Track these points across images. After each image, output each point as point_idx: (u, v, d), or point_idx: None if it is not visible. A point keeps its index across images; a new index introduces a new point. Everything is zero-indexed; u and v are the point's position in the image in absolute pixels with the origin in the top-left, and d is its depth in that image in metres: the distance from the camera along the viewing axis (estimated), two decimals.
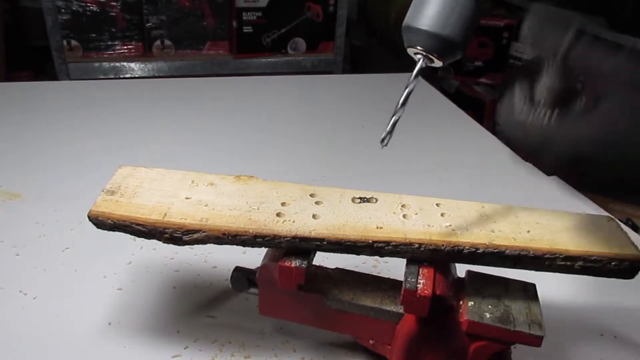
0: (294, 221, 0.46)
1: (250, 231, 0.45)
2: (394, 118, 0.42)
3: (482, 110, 2.26)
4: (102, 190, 0.49)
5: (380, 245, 0.44)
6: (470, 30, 0.39)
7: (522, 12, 2.24)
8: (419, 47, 0.40)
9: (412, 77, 0.41)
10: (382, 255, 0.45)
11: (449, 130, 1.08)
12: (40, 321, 0.56)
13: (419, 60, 0.41)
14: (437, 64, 0.41)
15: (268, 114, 1.11)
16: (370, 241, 0.44)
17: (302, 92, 1.26)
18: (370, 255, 0.45)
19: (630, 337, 0.59)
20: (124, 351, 0.53)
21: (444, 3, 0.38)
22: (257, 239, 0.45)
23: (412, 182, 0.84)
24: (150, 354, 0.53)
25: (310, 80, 1.39)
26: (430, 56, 0.40)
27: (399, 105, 0.41)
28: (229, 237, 0.45)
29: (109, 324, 0.56)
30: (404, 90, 0.41)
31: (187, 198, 0.48)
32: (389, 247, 0.44)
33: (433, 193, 0.51)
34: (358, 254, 0.45)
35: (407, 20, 0.40)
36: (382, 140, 0.42)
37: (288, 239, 0.45)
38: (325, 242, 0.44)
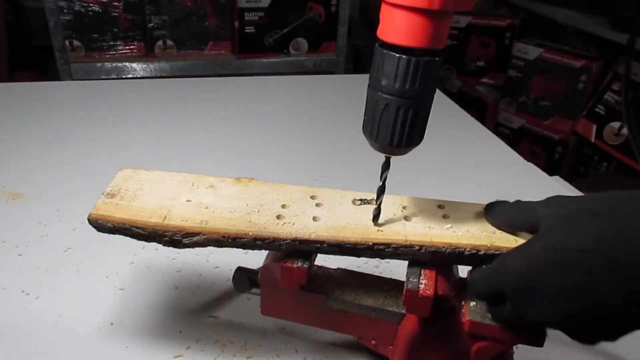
0: (293, 223, 0.45)
1: (250, 234, 0.45)
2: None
3: (484, 110, 2.26)
4: (102, 193, 0.48)
5: (380, 247, 0.44)
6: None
7: (524, 12, 2.24)
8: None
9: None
10: (382, 258, 0.45)
11: (451, 130, 1.08)
12: (43, 321, 0.56)
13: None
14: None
15: (270, 114, 1.11)
16: (370, 243, 0.44)
17: (304, 92, 1.26)
18: (371, 257, 0.45)
19: (632, 337, 0.58)
20: (126, 351, 0.53)
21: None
22: (257, 242, 0.45)
23: (414, 182, 0.84)
24: (152, 354, 0.53)
25: (312, 80, 1.39)
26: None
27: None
28: (229, 240, 0.45)
29: (111, 324, 0.56)
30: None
31: (187, 201, 0.48)
32: (389, 250, 0.44)
33: (434, 193, 0.51)
34: (358, 256, 0.45)
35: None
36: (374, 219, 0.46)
37: (288, 241, 0.44)
38: (325, 245, 0.44)
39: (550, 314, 0.37)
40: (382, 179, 0.45)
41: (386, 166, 0.45)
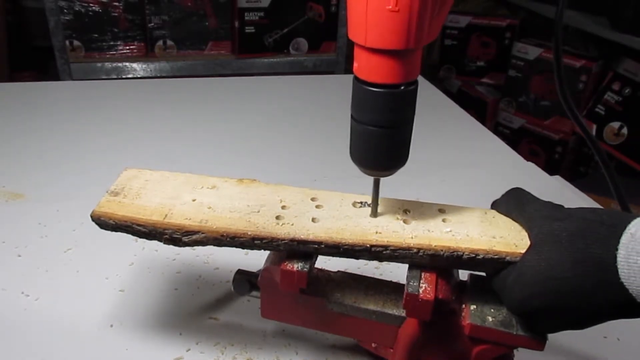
0: (292, 224, 0.45)
1: (249, 233, 0.45)
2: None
3: (484, 110, 2.26)
4: (107, 192, 0.49)
5: (378, 249, 0.44)
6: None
7: (524, 12, 2.24)
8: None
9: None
10: (381, 260, 0.45)
11: (451, 130, 1.08)
12: (42, 322, 0.56)
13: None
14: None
15: (270, 114, 1.11)
16: (368, 245, 0.44)
17: (304, 92, 1.26)
18: (369, 259, 0.45)
19: (633, 339, 0.59)
20: (126, 353, 0.53)
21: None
22: (255, 241, 0.45)
23: (414, 182, 0.84)
24: (152, 356, 0.53)
25: (312, 80, 1.39)
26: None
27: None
28: (228, 239, 0.45)
29: (111, 325, 0.56)
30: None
31: (189, 200, 0.48)
32: (387, 252, 0.44)
33: (434, 193, 0.51)
34: (357, 258, 0.45)
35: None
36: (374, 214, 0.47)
37: (286, 241, 0.44)
38: (323, 246, 0.44)
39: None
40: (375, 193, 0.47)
41: (376, 186, 0.47)
